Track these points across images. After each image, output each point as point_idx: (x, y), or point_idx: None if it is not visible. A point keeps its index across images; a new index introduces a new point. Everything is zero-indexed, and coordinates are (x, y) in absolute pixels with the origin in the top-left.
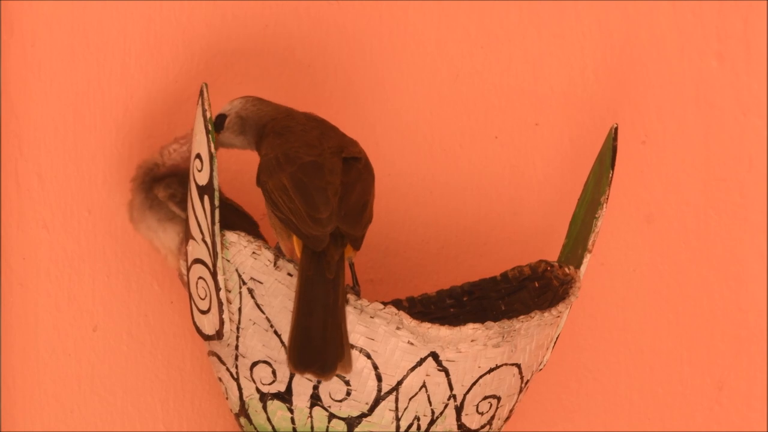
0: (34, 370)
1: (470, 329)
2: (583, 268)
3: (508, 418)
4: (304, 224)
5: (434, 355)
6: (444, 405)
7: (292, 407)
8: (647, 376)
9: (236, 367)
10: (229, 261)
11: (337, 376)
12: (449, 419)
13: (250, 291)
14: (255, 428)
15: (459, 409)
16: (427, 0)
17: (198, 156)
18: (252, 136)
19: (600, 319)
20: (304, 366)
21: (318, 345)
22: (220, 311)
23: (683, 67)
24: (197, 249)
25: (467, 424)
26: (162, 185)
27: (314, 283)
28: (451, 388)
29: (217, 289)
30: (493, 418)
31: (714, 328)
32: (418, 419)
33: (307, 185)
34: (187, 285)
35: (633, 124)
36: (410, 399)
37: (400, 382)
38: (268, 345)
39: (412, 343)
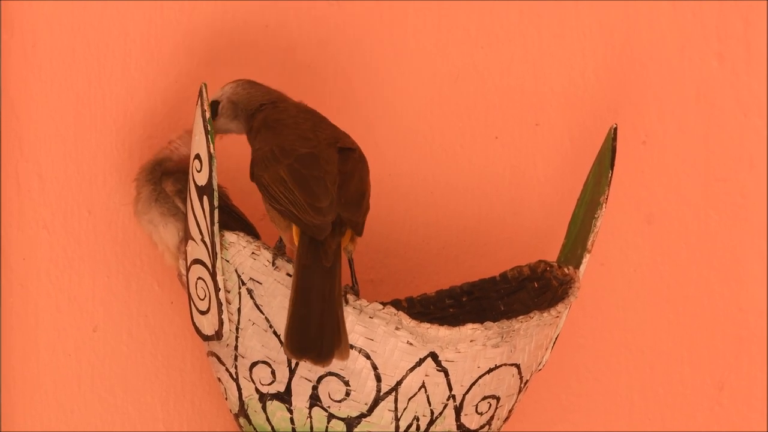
0: (34, 370)
1: (469, 329)
2: (582, 268)
3: (507, 418)
4: (305, 214)
5: (433, 356)
6: (443, 405)
7: (292, 407)
8: (647, 376)
9: (235, 367)
10: (228, 261)
11: (337, 375)
12: (448, 419)
13: (250, 291)
14: (254, 428)
15: (458, 410)
16: (427, 0)
17: (197, 156)
18: (244, 121)
19: (600, 319)
20: (301, 352)
21: (315, 332)
22: (219, 312)
23: (683, 67)
24: (196, 249)
25: (466, 425)
26: (171, 179)
27: (311, 271)
28: (451, 389)
29: (216, 290)
30: (492, 418)
31: (714, 328)
32: (418, 419)
33: (306, 176)
34: (187, 285)
35: (633, 124)
36: (409, 399)
37: (399, 383)
38: (267, 345)
39: (411, 344)
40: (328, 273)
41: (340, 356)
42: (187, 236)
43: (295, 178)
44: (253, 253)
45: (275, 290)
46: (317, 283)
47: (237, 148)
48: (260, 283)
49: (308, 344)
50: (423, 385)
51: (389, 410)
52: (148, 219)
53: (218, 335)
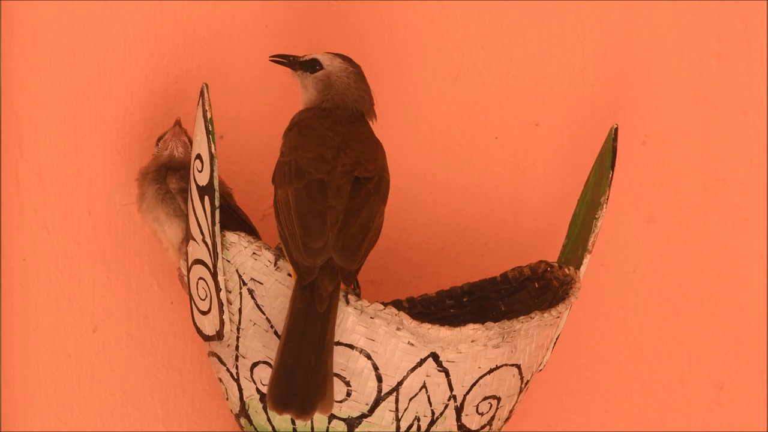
0: (34, 370)
1: (470, 330)
2: (583, 268)
3: (508, 418)
4: (297, 251)
5: (434, 356)
6: (444, 405)
7: None
8: (647, 376)
9: (236, 367)
10: (229, 262)
11: (338, 376)
12: (449, 420)
13: (251, 292)
14: (255, 429)
15: (459, 410)
16: (427, 0)
17: (198, 156)
18: (317, 101)
19: (600, 319)
20: (283, 406)
21: (299, 385)
22: (221, 312)
23: (683, 67)
24: (198, 250)
25: (467, 425)
26: (176, 176)
27: (303, 316)
28: (451, 389)
29: (218, 290)
30: (493, 418)
31: (714, 328)
32: (418, 420)
33: (309, 208)
34: (188, 286)
35: (633, 125)
36: (410, 399)
37: (400, 383)
38: (268, 345)
39: (412, 344)
40: (321, 318)
41: (323, 410)
42: (188, 236)
43: (298, 207)
44: (254, 253)
45: (277, 291)
46: (309, 329)
47: (238, 148)
48: (261, 284)
49: (291, 398)
50: (424, 386)
51: (390, 410)
52: (154, 217)
53: (219, 335)
